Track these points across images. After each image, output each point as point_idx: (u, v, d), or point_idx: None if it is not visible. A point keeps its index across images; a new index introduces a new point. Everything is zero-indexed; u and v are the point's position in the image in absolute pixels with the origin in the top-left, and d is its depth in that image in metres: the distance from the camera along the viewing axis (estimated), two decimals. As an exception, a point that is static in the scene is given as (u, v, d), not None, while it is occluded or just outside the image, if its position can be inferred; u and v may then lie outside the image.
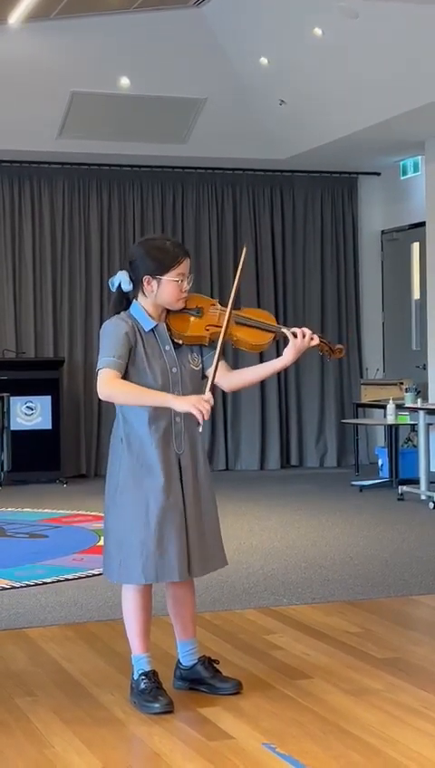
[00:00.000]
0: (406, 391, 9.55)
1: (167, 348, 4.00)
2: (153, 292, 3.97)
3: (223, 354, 4.00)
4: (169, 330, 4.01)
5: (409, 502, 8.81)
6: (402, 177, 11.34)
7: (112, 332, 3.93)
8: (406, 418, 9.51)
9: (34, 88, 9.46)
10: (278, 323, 4.10)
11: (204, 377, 4.04)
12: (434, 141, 10.16)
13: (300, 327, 4.02)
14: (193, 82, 9.72)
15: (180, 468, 3.98)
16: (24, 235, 10.76)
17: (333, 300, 11.56)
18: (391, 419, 9.49)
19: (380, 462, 10.52)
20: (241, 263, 4.08)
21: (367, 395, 10.49)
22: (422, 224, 10.60)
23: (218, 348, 3.94)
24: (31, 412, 10.27)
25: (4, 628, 5.13)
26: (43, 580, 6.09)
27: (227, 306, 3.98)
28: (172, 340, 4.01)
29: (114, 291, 4.06)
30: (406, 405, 9.36)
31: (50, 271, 10.83)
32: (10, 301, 10.70)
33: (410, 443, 10.38)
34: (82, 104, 9.72)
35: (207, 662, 4.16)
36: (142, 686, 3.97)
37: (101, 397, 3.87)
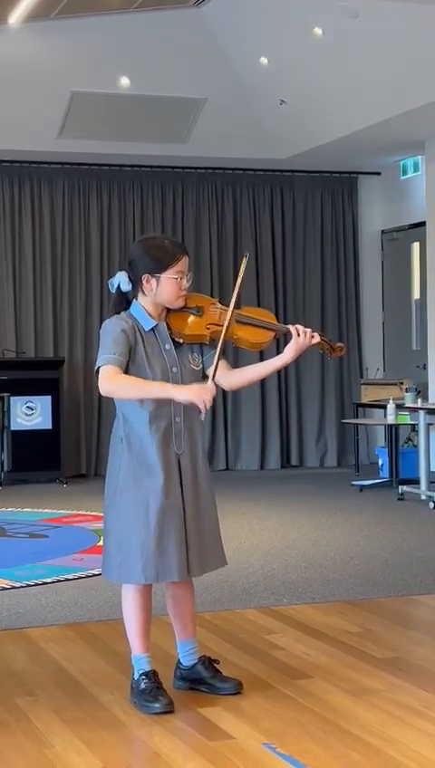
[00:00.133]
0: (406, 391, 9.55)
1: (167, 347, 4.00)
2: (153, 290, 3.98)
3: (223, 353, 4.00)
4: (169, 329, 4.01)
5: (409, 502, 8.81)
6: (402, 177, 11.35)
7: (112, 331, 3.93)
8: (406, 418, 9.51)
9: (34, 88, 9.46)
10: (278, 322, 4.11)
11: (204, 377, 4.03)
12: (434, 141, 10.16)
13: (300, 322, 4.03)
14: (193, 82, 9.72)
15: (180, 468, 3.98)
16: (24, 235, 10.77)
17: (333, 300, 11.56)
18: (391, 419, 9.50)
19: (380, 462, 10.52)
20: (242, 272, 4.04)
21: (367, 395, 10.49)
22: (422, 223, 10.60)
23: (220, 345, 3.95)
24: (31, 412, 10.28)
25: (4, 628, 5.13)
26: (44, 580, 6.09)
27: (227, 305, 3.98)
28: (173, 340, 4.01)
29: (114, 292, 4.07)
30: (406, 405, 9.36)
31: (50, 271, 10.83)
32: (10, 301, 10.71)
33: (411, 443, 10.38)
34: (82, 104, 9.72)
35: (208, 662, 4.16)
36: (142, 686, 3.97)
37: (102, 393, 3.87)
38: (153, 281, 3.97)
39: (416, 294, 11.27)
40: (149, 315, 4.00)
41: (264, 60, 9.29)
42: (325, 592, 5.77)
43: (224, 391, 11.17)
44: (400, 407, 9.46)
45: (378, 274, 11.89)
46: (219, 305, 4.05)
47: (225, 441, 11.27)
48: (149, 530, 3.90)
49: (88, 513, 8.34)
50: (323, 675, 4.33)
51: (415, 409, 9.12)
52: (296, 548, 7.00)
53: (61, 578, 6.15)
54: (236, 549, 6.81)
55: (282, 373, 11.35)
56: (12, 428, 10.02)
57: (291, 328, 4.00)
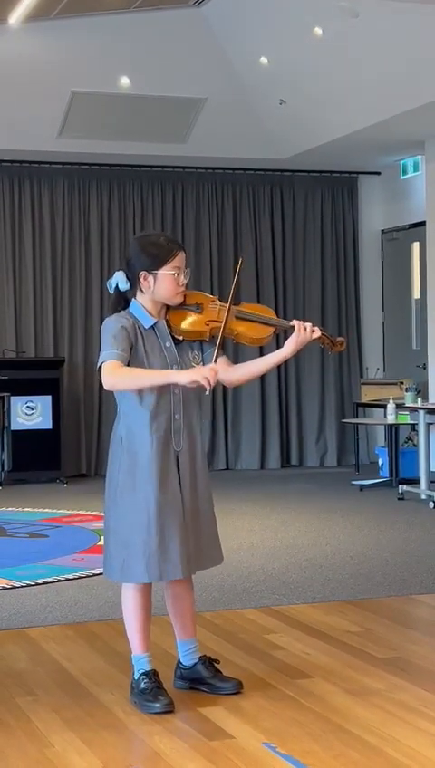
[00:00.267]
0: (406, 391, 9.56)
1: (167, 344, 4.00)
2: (150, 287, 3.98)
3: (223, 348, 4.00)
4: (169, 326, 4.02)
5: (409, 501, 8.81)
6: (402, 177, 11.35)
7: (113, 328, 3.93)
8: (406, 418, 9.51)
9: (34, 88, 9.47)
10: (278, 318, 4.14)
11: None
12: (434, 141, 10.16)
13: (300, 320, 4.05)
14: (193, 82, 9.72)
15: (178, 465, 3.99)
16: (24, 235, 10.77)
17: (333, 299, 11.56)
18: (391, 419, 9.50)
19: (380, 461, 10.52)
20: (237, 272, 4.07)
21: (367, 394, 10.49)
22: (422, 223, 10.61)
23: (219, 340, 3.95)
24: (31, 412, 10.28)
25: (4, 628, 5.13)
26: (44, 580, 6.09)
27: (226, 302, 4.00)
28: (173, 337, 4.02)
29: (112, 292, 4.07)
30: (406, 404, 9.36)
31: (50, 271, 10.83)
32: (10, 301, 10.71)
33: (411, 442, 10.39)
34: (82, 104, 9.72)
35: (208, 662, 4.16)
36: (143, 685, 3.97)
37: (106, 387, 3.87)
38: (150, 277, 3.97)
39: (416, 294, 11.27)
40: (149, 313, 4.01)
41: (264, 60, 9.29)
42: (325, 592, 5.77)
43: (224, 391, 11.26)
44: (400, 406, 9.46)
45: (378, 274, 11.89)
46: (219, 302, 4.06)
47: (225, 441, 11.27)
48: (150, 529, 3.90)
49: (88, 512, 8.34)
50: (323, 674, 4.33)
51: (415, 409, 9.12)
52: (296, 548, 7.00)
53: (61, 577, 6.15)
54: (237, 548, 6.81)
55: (282, 373, 11.36)
56: (12, 428, 10.01)
57: (294, 323, 4.02)
